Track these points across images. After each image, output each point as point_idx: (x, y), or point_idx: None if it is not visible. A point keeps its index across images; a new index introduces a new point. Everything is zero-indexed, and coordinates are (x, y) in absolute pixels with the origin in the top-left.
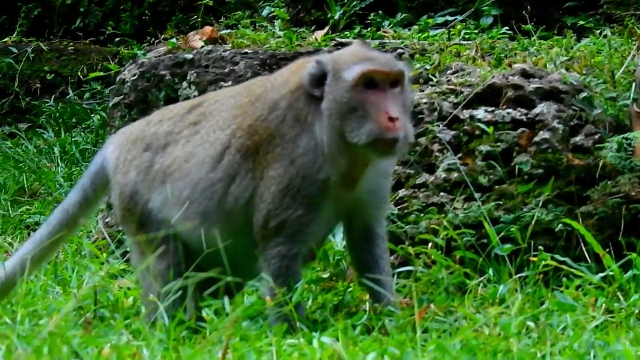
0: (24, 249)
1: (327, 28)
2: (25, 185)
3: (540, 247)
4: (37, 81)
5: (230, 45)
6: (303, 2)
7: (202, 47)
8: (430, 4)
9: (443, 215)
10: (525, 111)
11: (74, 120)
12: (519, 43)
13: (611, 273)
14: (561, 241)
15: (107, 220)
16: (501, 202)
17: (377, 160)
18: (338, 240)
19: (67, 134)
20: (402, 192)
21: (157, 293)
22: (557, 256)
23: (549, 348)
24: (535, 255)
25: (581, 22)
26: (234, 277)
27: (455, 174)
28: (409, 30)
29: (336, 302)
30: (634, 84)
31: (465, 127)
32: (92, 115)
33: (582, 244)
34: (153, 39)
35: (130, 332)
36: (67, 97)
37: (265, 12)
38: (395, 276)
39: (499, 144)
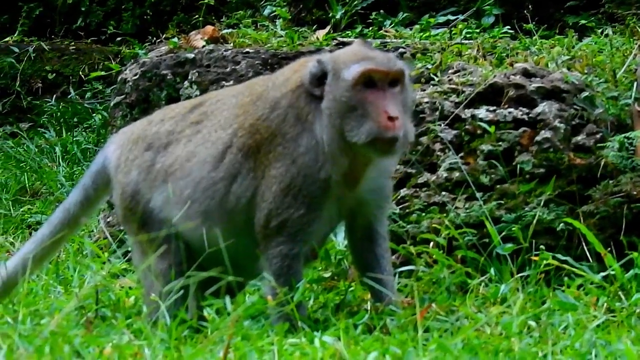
0: (25, 248)
1: (328, 27)
2: (27, 185)
3: (541, 246)
4: (39, 81)
5: (231, 44)
6: (304, 1)
7: (204, 46)
8: (432, 3)
9: (444, 214)
10: (527, 110)
11: (75, 119)
12: (521, 42)
13: (612, 272)
14: (563, 240)
15: (108, 219)
16: (503, 202)
17: (377, 159)
18: (340, 239)
19: (69, 133)
20: (403, 192)
21: (159, 292)
22: (559, 255)
23: (551, 347)
24: (536, 255)
25: (583, 22)
26: (235, 277)
27: (456, 174)
28: (411, 29)
29: (338, 302)
30: (635, 83)
31: (467, 127)
32: (94, 114)
33: (583, 244)
34: (154, 38)
35: (132, 331)
36: (69, 96)
37: (266, 12)
38: (397, 275)
39: (500, 143)
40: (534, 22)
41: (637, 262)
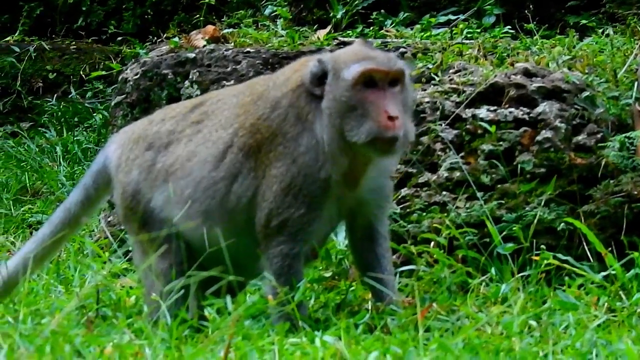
0: (26, 248)
1: (329, 27)
2: (28, 185)
3: (542, 246)
4: (40, 80)
5: (232, 44)
6: (305, 1)
7: (205, 46)
8: (433, 3)
9: (445, 214)
10: (528, 110)
11: (76, 119)
12: (522, 42)
13: (613, 272)
14: (563, 240)
15: (109, 219)
16: (503, 201)
17: (377, 159)
18: (340, 239)
19: (70, 133)
20: (404, 191)
21: (160, 292)
22: (560, 255)
23: (551, 347)
24: (537, 254)
25: (583, 21)
26: (236, 276)
27: (457, 173)
28: (412, 29)
29: (338, 301)
30: (636, 83)
31: (468, 126)
32: (95, 114)
33: (584, 243)
34: (155, 38)
35: (133, 331)
36: (70, 96)
37: (267, 11)
38: (398, 275)
39: (501, 143)
40: (534, 22)
41: (638, 261)
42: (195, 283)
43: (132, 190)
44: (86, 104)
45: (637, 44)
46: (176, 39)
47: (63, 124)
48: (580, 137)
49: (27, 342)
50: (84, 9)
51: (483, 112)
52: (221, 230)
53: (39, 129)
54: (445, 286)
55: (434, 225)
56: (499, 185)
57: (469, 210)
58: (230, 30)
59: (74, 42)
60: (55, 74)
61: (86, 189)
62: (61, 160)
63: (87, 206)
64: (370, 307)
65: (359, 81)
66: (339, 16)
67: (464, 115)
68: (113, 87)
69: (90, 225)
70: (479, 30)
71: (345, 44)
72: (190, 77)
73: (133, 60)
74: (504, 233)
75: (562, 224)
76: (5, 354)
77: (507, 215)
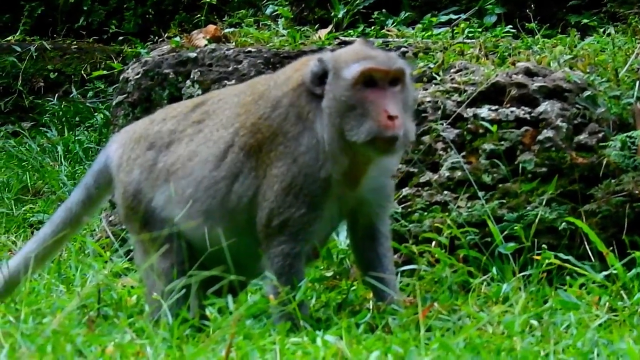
0: (27, 247)
1: (330, 27)
2: (29, 184)
3: (543, 245)
4: (41, 80)
5: (233, 43)
6: (306, 0)
7: (206, 45)
8: (434, 2)
9: (447, 213)
10: (529, 110)
11: (77, 119)
12: (523, 41)
13: (615, 271)
14: (565, 240)
15: (110, 218)
16: (505, 201)
17: (377, 158)
18: (342, 238)
19: (71, 132)
20: (405, 191)
21: (161, 291)
22: (561, 255)
23: (553, 346)
24: (538, 254)
25: (585, 21)
26: (237, 276)
27: (459, 173)
28: (413, 28)
29: (340, 301)
30: (637, 82)
31: (469, 126)
32: (96, 113)
33: (585, 243)
34: (156, 37)
35: (134, 330)
36: (71, 95)
37: (268, 11)
38: (399, 275)
39: (502, 142)
40: (536, 21)
41: (639, 261)
42: (196, 282)
43: (134, 190)
44: (87, 104)
45: (638, 43)
46: (177, 38)
47: (64, 123)
48: (581, 137)
49: (29, 341)
50: (85, 8)
51: (484, 111)
52: (222, 230)
53: (40, 128)
54: (446, 286)
55: (436, 224)
56: (500, 185)
57: (470, 210)
58: (232, 29)
59: (75, 42)
60: (56, 74)
61: (87, 188)
62: (62, 159)
63: (89, 206)
64: (371, 307)
65: (359, 80)
66: (340, 16)
67: (465, 115)
68: (114, 86)
69: (91, 224)
70: (480, 30)
71: (346, 43)
72: (192, 76)
73: (134, 59)
74: (505, 232)
75: (564, 224)
76: (6, 353)
77: (508, 215)
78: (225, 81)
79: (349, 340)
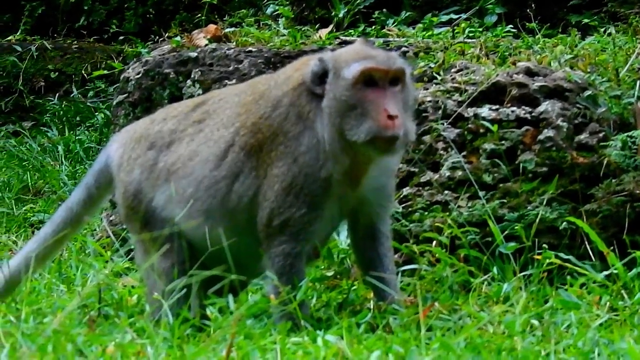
0: (28, 247)
1: (331, 26)
2: (30, 184)
3: (544, 245)
4: (41, 79)
5: (234, 43)
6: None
7: (206, 45)
8: (435, 2)
9: (447, 213)
10: (530, 109)
11: (78, 118)
12: (523, 41)
13: (615, 271)
14: (565, 239)
15: (111, 218)
16: (505, 200)
17: (377, 158)
18: (342, 238)
19: (71, 132)
20: (406, 190)
21: (162, 291)
22: (562, 254)
23: (553, 346)
24: (539, 254)
25: (585, 20)
26: (238, 276)
27: (459, 172)
28: (413, 28)
29: (340, 301)
30: (638, 82)
31: (470, 126)
32: (96, 113)
33: (586, 242)
34: (157, 37)
35: (135, 330)
36: (71, 95)
37: (269, 11)
38: (400, 274)
39: (503, 142)
40: (536, 21)
41: None
42: (197, 282)
43: (134, 190)
44: (88, 103)
45: (639, 42)
46: (178, 38)
47: (65, 123)
48: (582, 136)
49: (29, 341)
50: (85, 8)
51: (485, 111)
52: (223, 230)
53: (41, 128)
54: (447, 285)
55: (436, 224)
56: (501, 185)
57: (471, 210)
58: (232, 29)
59: (75, 42)
60: (57, 73)
61: (88, 188)
62: (63, 159)
63: (89, 205)
64: (372, 307)
65: (359, 80)
66: (340, 15)
67: (466, 115)
68: (115, 86)
69: (92, 224)
70: (480, 30)
71: (347, 43)
72: (192, 76)
73: (135, 59)
74: (506, 232)
75: (564, 223)
76: (7, 353)
77: (509, 215)
78: (226, 81)
79: (350, 340)
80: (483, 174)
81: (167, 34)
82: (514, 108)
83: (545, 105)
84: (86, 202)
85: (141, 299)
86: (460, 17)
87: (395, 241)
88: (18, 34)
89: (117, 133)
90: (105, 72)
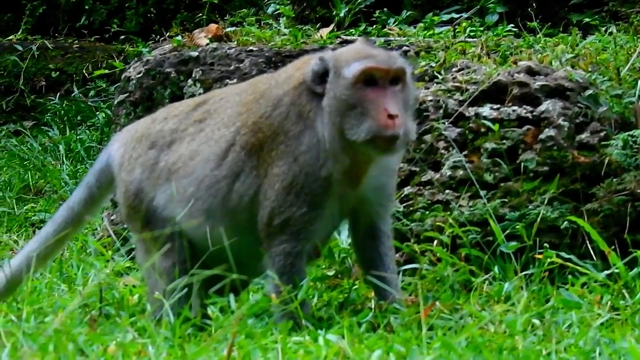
0: (29, 246)
1: (332, 26)
2: (31, 183)
3: (545, 244)
4: (42, 79)
5: (235, 42)
6: None
7: (208, 44)
8: (436, 1)
9: (448, 212)
10: (531, 108)
11: (79, 118)
12: (525, 40)
13: (616, 270)
14: (566, 239)
15: (112, 217)
16: (506, 200)
17: (377, 157)
18: (343, 237)
19: (72, 131)
20: (407, 190)
21: (163, 291)
22: (563, 254)
23: (555, 345)
24: (540, 253)
25: (586, 20)
26: (239, 275)
27: (460, 172)
28: (414, 27)
29: (341, 300)
30: (639, 81)
31: (471, 125)
32: (97, 112)
33: (587, 242)
34: (158, 36)
35: (136, 329)
36: (72, 94)
37: (270, 10)
38: (401, 274)
39: (504, 141)
40: (537, 20)
41: None
42: (198, 281)
43: (135, 189)
44: (89, 103)
45: None
46: (179, 37)
47: (66, 122)
48: (583, 136)
49: (30, 340)
50: (86, 7)
51: (486, 110)
52: (223, 229)
53: (42, 127)
54: (448, 285)
55: (437, 223)
56: (502, 184)
57: (472, 209)
58: (233, 28)
59: (76, 41)
60: (58, 73)
61: (89, 187)
62: (64, 158)
63: (90, 205)
64: (373, 306)
65: (359, 79)
66: (341, 14)
67: (467, 114)
68: (116, 85)
69: (93, 223)
70: (482, 29)
71: (348, 42)
72: (193, 75)
73: (136, 58)
74: (507, 231)
75: (565, 223)
76: (8, 352)
77: (510, 214)
78: (227, 80)
79: (351, 339)
80: (484, 173)
81: (168, 34)
82: (515, 107)
83: (547, 105)
84: (87, 202)
85: (142, 298)
86: (462, 16)
87: (396, 240)
88: (19, 33)
89: (118, 132)
90: (106, 71)
